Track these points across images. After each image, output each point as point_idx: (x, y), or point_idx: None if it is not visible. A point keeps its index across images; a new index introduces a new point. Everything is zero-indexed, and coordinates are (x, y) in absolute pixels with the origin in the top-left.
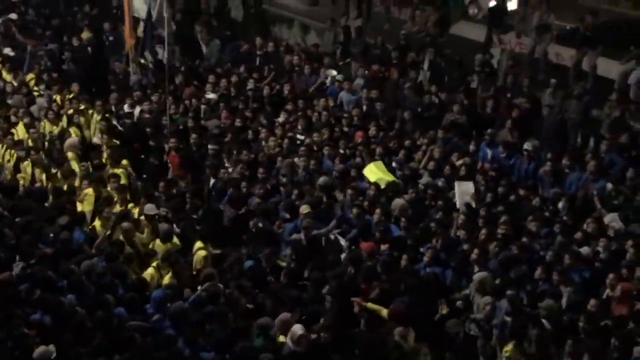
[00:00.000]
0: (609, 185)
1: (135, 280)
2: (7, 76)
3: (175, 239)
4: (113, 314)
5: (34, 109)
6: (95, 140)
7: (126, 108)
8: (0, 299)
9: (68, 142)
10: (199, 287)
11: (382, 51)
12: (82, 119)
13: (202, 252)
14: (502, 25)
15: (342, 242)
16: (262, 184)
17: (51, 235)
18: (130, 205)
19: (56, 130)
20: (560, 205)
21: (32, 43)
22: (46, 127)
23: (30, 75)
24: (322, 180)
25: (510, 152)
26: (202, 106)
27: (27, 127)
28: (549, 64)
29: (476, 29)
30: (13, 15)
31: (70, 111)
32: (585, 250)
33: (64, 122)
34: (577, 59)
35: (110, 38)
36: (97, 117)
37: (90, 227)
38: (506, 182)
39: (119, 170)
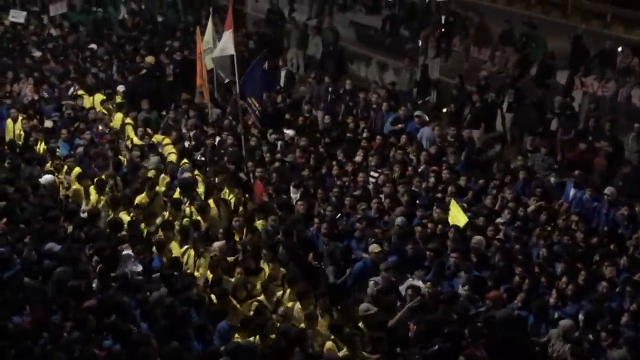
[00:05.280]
0: None
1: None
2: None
3: None
4: (188, 347)
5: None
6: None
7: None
8: (83, 324)
9: (217, 245)
10: None
11: (461, 91)
12: None
13: None
14: (584, 68)
15: (421, 284)
16: (330, 223)
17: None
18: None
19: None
20: None
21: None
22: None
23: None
24: (399, 220)
25: (596, 195)
26: (279, 142)
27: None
28: (633, 108)
29: (558, 71)
30: (93, 46)
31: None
32: None
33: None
34: None
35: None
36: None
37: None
38: (586, 229)
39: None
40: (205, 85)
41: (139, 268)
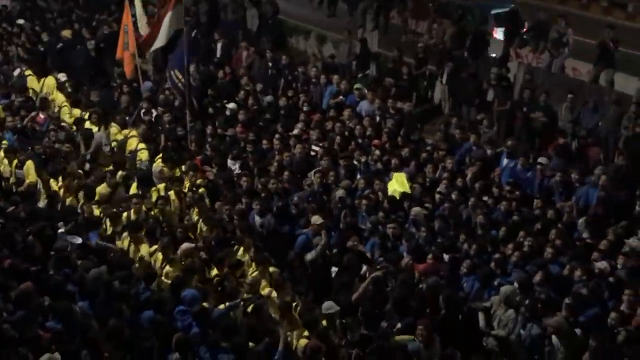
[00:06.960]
0: None
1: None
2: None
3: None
4: (125, 324)
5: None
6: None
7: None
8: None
9: (183, 247)
10: None
11: (399, 63)
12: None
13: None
14: (519, 40)
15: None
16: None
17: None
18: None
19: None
20: (579, 221)
21: None
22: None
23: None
24: (340, 192)
25: (529, 165)
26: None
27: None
28: (566, 79)
29: (493, 43)
30: (21, 21)
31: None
32: (602, 264)
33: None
34: (594, 74)
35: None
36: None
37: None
38: (521, 196)
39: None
40: (129, 58)
41: (78, 240)
